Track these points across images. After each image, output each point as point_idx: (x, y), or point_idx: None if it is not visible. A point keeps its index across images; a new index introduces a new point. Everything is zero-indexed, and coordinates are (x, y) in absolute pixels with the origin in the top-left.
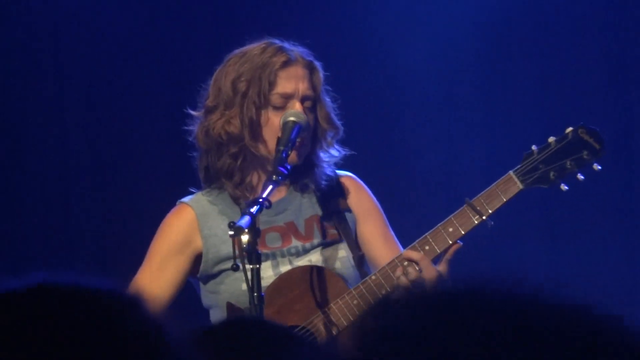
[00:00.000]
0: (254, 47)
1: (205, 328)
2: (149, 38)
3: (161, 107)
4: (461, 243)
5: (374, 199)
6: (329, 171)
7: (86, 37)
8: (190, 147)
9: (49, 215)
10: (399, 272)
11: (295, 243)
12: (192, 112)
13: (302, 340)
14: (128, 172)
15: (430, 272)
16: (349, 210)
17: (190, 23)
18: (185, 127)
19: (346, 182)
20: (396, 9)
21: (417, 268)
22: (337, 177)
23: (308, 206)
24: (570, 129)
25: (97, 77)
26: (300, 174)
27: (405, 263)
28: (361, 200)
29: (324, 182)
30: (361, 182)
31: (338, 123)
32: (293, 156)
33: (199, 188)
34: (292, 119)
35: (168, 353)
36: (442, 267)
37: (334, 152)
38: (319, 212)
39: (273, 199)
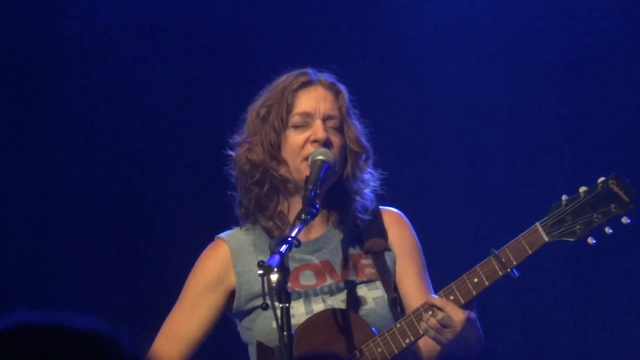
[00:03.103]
0: (280, 77)
1: None
2: (187, 71)
3: (205, 142)
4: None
5: (416, 239)
6: (369, 203)
7: (119, 72)
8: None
9: (82, 249)
10: (426, 315)
11: (329, 282)
12: (230, 152)
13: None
14: (169, 205)
15: (458, 314)
16: (389, 250)
17: (227, 57)
18: (224, 167)
19: (389, 219)
20: (425, 59)
21: (442, 313)
22: (380, 212)
23: (346, 244)
24: (601, 179)
25: (132, 107)
26: (338, 204)
27: (430, 312)
28: (402, 238)
29: (365, 217)
30: (405, 220)
31: (367, 145)
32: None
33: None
34: (320, 157)
35: None
36: (468, 310)
37: (367, 177)
38: (358, 250)
39: (311, 236)
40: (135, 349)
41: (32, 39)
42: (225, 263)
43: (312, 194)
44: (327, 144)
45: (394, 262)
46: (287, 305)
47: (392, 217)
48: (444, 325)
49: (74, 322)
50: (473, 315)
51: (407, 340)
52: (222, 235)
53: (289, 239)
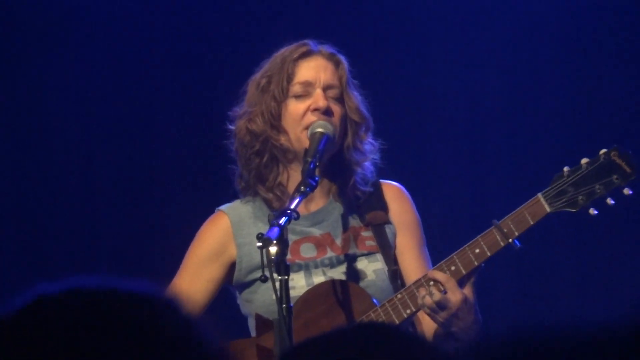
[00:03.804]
0: (280, 49)
1: None
2: (187, 49)
3: (205, 116)
4: (482, 265)
5: (416, 213)
6: (369, 175)
7: (119, 46)
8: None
9: (83, 225)
10: (423, 292)
11: (330, 254)
12: (230, 127)
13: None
14: (169, 179)
15: (456, 294)
16: (389, 222)
17: (229, 30)
18: (225, 141)
19: (390, 192)
20: (424, 31)
21: (441, 289)
22: (381, 185)
23: (347, 217)
24: (603, 150)
25: (131, 82)
26: (338, 176)
27: (431, 283)
28: (403, 212)
29: (365, 188)
30: (406, 194)
31: (367, 114)
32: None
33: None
34: (319, 130)
35: (200, 354)
36: (467, 290)
37: (368, 147)
38: (358, 223)
39: (312, 208)
40: (189, 313)
41: (27, 29)
42: (226, 235)
43: (312, 166)
44: (327, 112)
45: (394, 235)
46: (286, 277)
47: (393, 191)
48: (439, 306)
49: (128, 286)
50: (471, 297)
51: (408, 311)
52: (222, 207)
53: (288, 211)
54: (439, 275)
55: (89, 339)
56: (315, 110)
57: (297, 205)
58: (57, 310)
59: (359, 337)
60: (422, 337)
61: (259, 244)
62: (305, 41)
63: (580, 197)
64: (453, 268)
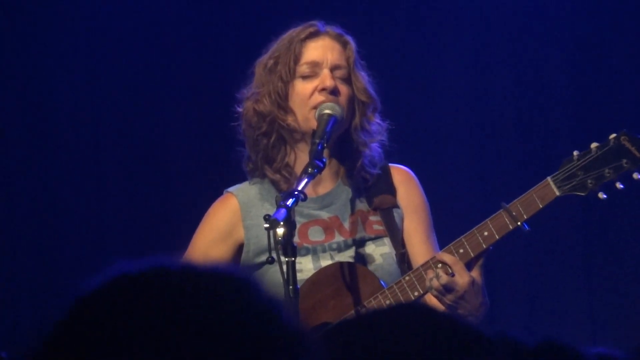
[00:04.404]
0: (288, 31)
1: None
2: (194, 35)
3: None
4: (491, 248)
5: (424, 196)
6: (377, 157)
7: (124, 32)
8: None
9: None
10: (431, 274)
11: (338, 238)
12: (238, 108)
13: None
14: (178, 161)
15: (463, 277)
16: (397, 206)
17: (235, 16)
18: (233, 123)
19: (398, 176)
20: (429, 15)
21: (449, 271)
22: (389, 169)
23: (355, 200)
24: (613, 135)
25: (137, 67)
26: (346, 158)
27: (439, 265)
28: (410, 195)
29: (373, 171)
30: (414, 178)
31: (375, 95)
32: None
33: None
34: (327, 111)
35: (283, 331)
36: (475, 273)
37: (375, 128)
38: (366, 207)
39: (320, 191)
40: (268, 293)
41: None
42: (234, 216)
43: (319, 147)
44: (334, 92)
45: (402, 219)
46: (293, 259)
47: (401, 174)
48: (447, 288)
49: (209, 266)
50: (479, 280)
51: (416, 293)
52: (230, 189)
53: (296, 192)
54: (446, 257)
55: (175, 317)
56: (323, 90)
57: (304, 187)
58: (140, 289)
59: (401, 317)
60: (458, 316)
61: (266, 225)
62: (313, 22)
63: (589, 181)
64: (461, 251)
